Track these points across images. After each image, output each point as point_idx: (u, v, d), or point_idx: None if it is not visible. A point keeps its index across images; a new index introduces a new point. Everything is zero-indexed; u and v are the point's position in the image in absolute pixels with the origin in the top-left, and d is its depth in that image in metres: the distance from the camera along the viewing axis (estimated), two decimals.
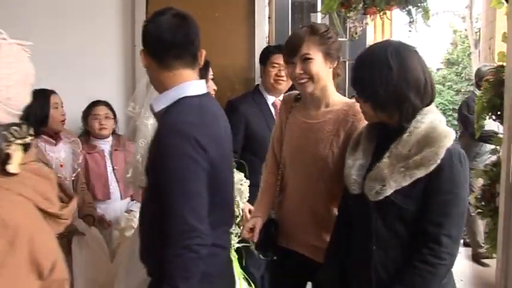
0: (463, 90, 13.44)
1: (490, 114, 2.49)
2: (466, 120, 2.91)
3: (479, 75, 2.82)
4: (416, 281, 1.00)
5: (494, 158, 2.49)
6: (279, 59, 2.01)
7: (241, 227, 1.54)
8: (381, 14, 2.30)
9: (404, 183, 1.02)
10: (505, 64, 2.40)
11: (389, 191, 1.02)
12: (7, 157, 0.76)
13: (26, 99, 0.81)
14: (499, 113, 2.42)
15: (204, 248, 0.97)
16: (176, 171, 0.97)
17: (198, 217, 0.97)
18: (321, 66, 1.28)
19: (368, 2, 2.18)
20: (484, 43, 5.86)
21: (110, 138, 2.18)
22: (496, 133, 2.50)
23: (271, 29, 2.60)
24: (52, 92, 1.94)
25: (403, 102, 1.03)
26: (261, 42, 2.39)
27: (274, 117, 2.08)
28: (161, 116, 1.05)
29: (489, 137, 2.60)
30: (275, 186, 1.41)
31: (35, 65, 2.70)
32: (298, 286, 1.42)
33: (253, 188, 1.66)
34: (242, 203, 1.70)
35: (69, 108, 2.01)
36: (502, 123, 2.39)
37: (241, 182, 1.70)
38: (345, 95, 1.63)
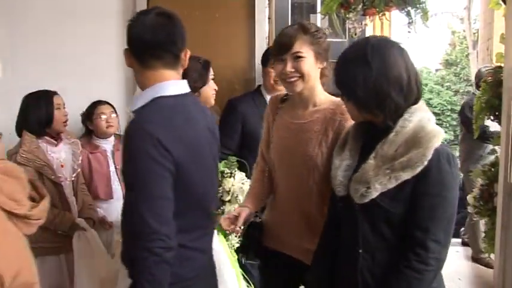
0: (461, 90, 13.48)
1: (488, 114, 2.50)
2: (469, 122, 2.87)
3: (480, 76, 2.81)
4: (402, 287, 0.97)
5: (492, 158, 2.51)
6: None
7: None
8: (380, 15, 2.32)
9: (389, 185, 0.97)
10: (503, 65, 2.42)
11: (374, 194, 0.98)
12: None
13: None
14: (497, 113, 2.44)
15: (167, 251, 0.94)
16: (137, 171, 0.95)
17: (160, 219, 0.94)
18: (311, 66, 1.26)
19: (367, 3, 2.19)
20: (482, 44, 5.88)
21: (112, 138, 2.19)
22: None
23: (271, 30, 2.61)
24: (54, 93, 1.94)
25: (384, 101, 0.98)
26: (261, 43, 2.40)
27: None
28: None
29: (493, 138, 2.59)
30: (265, 183, 1.39)
31: (36, 65, 2.69)
32: None
33: None
34: None
35: (70, 109, 2.02)
36: (500, 123, 2.41)
37: (242, 181, 1.71)
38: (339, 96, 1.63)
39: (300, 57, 1.24)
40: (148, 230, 0.93)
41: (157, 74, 1.03)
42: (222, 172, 1.78)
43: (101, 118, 2.12)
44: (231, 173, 1.72)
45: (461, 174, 3.07)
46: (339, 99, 1.24)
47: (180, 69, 1.08)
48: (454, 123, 13.05)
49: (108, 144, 2.17)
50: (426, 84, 13.94)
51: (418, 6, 2.27)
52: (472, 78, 10.88)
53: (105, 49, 2.31)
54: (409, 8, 2.30)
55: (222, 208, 1.66)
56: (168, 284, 0.97)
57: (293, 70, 1.25)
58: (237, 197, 1.67)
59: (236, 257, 1.71)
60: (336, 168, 1.08)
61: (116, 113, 2.18)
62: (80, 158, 2.00)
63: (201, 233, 1.09)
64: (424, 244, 0.95)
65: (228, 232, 1.31)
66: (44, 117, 1.86)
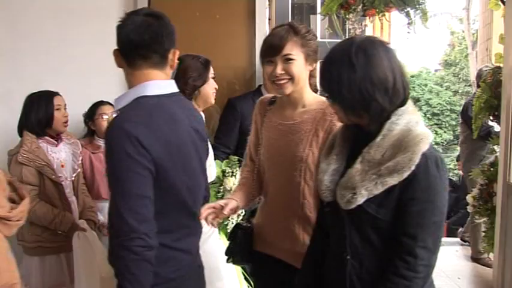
0: (460, 91, 13.50)
1: (487, 114, 2.52)
2: (472, 122, 2.83)
3: (481, 76, 2.80)
4: None
5: (492, 158, 2.53)
6: None
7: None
8: (380, 15, 2.33)
9: (376, 191, 0.94)
10: (502, 65, 2.43)
11: (360, 200, 0.95)
12: None
13: None
14: (496, 113, 2.46)
15: (147, 250, 0.93)
16: (116, 169, 0.96)
17: (139, 218, 0.93)
18: (301, 68, 1.24)
19: (367, 3, 2.21)
20: (481, 44, 5.89)
21: None
22: None
23: None
24: (55, 93, 1.94)
25: (370, 103, 0.94)
26: (261, 43, 2.40)
27: None
28: None
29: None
30: (253, 182, 1.36)
31: (38, 65, 2.69)
32: None
33: None
34: None
35: (72, 109, 2.03)
36: (499, 123, 2.42)
37: None
38: None
39: (291, 59, 1.22)
40: (127, 228, 0.93)
41: (143, 74, 1.04)
42: (224, 171, 1.79)
43: (102, 118, 2.12)
44: (232, 172, 1.73)
45: (457, 175, 3.05)
46: None
47: (167, 70, 1.08)
48: (453, 123, 13.08)
49: None
50: (426, 85, 13.96)
51: (417, 7, 2.29)
52: (471, 78, 10.86)
53: (107, 49, 2.29)
54: (409, 9, 2.31)
55: None
56: (150, 283, 0.96)
57: (283, 72, 1.23)
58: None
59: None
60: (323, 173, 1.05)
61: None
62: (80, 158, 2.01)
63: (184, 233, 1.08)
64: (412, 251, 0.93)
65: (210, 225, 1.24)
66: (44, 118, 1.87)
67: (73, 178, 1.97)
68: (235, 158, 1.79)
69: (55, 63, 2.30)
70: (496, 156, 2.42)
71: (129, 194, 0.94)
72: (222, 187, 1.72)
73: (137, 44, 1.03)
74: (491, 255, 2.62)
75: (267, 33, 1.99)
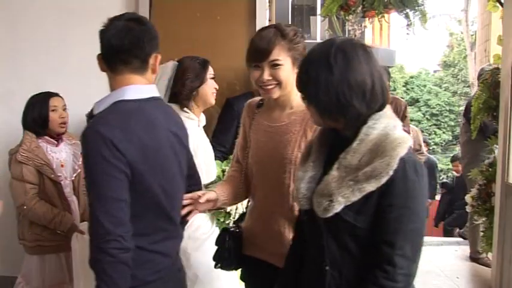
0: (459, 91, 13.54)
1: (486, 115, 2.53)
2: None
3: (483, 76, 2.78)
4: None
5: (490, 158, 2.54)
6: None
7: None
8: (379, 17, 2.35)
9: (353, 198, 0.91)
10: (500, 66, 2.45)
11: (338, 207, 0.92)
12: None
13: None
14: (494, 114, 2.47)
15: (123, 252, 0.94)
16: (92, 173, 0.97)
17: (114, 220, 0.94)
18: (289, 72, 1.21)
19: (367, 5, 2.22)
20: (480, 46, 5.92)
21: None
22: None
23: None
24: (53, 95, 1.94)
25: (346, 107, 0.92)
26: None
27: None
28: None
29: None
30: (240, 181, 1.33)
31: (38, 66, 2.70)
32: None
33: None
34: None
35: (72, 109, 2.03)
36: (497, 124, 2.44)
37: None
38: None
39: (278, 65, 1.20)
40: (103, 231, 0.94)
41: (124, 79, 1.05)
42: (224, 171, 1.80)
43: None
44: None
45: (452, 176, 3.01)
46: None
47: (148, 74, 1.08)
48: (452, 123, 13.12)
49: None
50: (425, 85, 14.00)
51: (416, 8, 2.30)
52: (470, 79, 10.87)
53: None
54: (408, 10, 2.33)
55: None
56: (128, 286, 0.97)
57: (270, 78, 1.21)
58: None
59: None
60: (299, 180, 1.01)
61: None
62: (81, 159, 2.01)
63: (162, 237, 1.08)
64: (391, 260, 0.90)
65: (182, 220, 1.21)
66: (39, 119, 1.88)
67: (73, 178, 1.97)
68: None
69: (55, 63, 2.30)
70: (495, 157, 2.43)
71: (105, 197, 0.95)
72: None
73: (118, 49, 1.04)
74: (489, 254, 2.63)
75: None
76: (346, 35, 2.93)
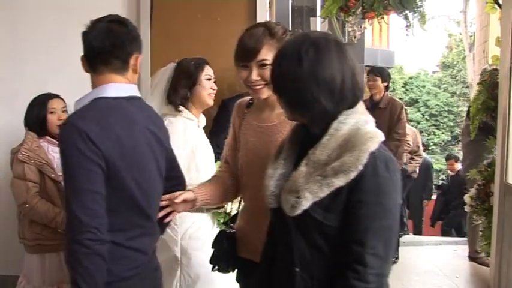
0: (458, 92, 13.58)
1: (485, 116, 2.55)
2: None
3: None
4: None
5: (489, 158, 2.56)
6: None
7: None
8: (379, 18, 2.36)
9: (321, 194, 0.87)
10: (498, 67, 2.47)
11: (305, 204, 0.88)
12: None
13: None
14: (493, 114, 2.49)
15: (98, 243, 0.94)
16: (68, 165, 0.99)
17: (89, 212, 0.95)
18: None
19: (366, 6, 2.24)
20: (478, 47, 5.94)
21: None
22: None
23: None
24: (52, 96, 1.95)
25: (312, 104, 0.89)
26: None
27: None
28: None
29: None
30: (226, 180, 1.31)
31: (40, 66, 2.70)
32: None
33: None
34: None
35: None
36: (496, 124, 2.46)
37: None
38: None
39: (266, 64, 1.17)
40: (78, 223, 0.94)
41: (103, 78, 1.07)
42: None
43: None
44: None
45: (446, 175, 2.96)
46: None
47: (129, 75, 1.10)
48: (451, 124, 13.16)
49: None
50: (424, 86, 14.04)
51: (415, 9, 2.31)
52: (469, 80, 10.86)
53: None
54: (407, 12, 2.34)
55: (224, 208, 1.69)
56: (104, 278, 0.97)
57: (258, 78, 1.18)
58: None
59: None
60: (269, 178, 0.98)
61: None
62: None
63: (138, 233, 1.08)
64: (362, 259, 0.85)
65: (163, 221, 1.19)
66: (37, 121, 1.89)
67: None
68: None
69: (56, 63, 2.31)
70: (493, 157, 2.45)
71: (81, 190, 0.96)
72: None
73: (98, 50, 1.06)
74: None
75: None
76: (346, 36, 2.94)
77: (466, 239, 3.22)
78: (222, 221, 1.75)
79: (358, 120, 0.91)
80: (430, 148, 10.64)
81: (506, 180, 2.22)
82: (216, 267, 1.29)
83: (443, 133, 13.11)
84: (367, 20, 2.40)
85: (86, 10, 2.36)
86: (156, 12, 2.32)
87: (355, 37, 2.37)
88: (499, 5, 2.47)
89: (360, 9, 2.23)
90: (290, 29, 1.36)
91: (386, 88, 3.12)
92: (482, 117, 2.56)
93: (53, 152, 1.94)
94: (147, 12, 2.31)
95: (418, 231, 4.94)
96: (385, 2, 2.25)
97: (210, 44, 2.29)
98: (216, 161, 1.93)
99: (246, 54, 1.18)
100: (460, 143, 3.88)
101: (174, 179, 1.21)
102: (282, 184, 0.96)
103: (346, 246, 0.87)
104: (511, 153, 2.20)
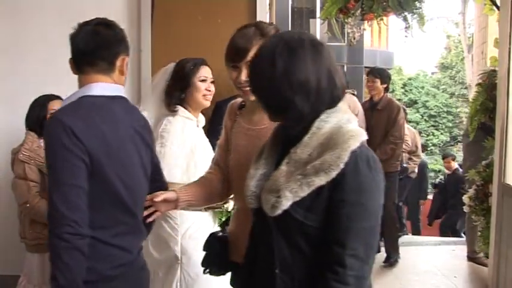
0: (456, 93, 13.62)
1: (483, 116, 2.56)
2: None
3: None
4: None
5: (488, 159, 2.57)
6: None
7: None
8: (378, 19, 2.38)
9: (302, 193, 0.85)
10: (497, 68, 2.49)
11: (286, 204, 0.86)
12: None
13: None
14: (491, 115, 2.51)
15: (78, 238, 0.94)
16: (52, 160, 1.00)
17: (70, 206, 0.95)
18: None
19: (366, 8, 2.25)
20: (477, 48, 5.96)
21: None
22: None
23: None
24: (53, 98, 1.94)
25: (287, 106, 0.87)
26: None
27: None
28: None
29: None
30: (213, 182, 1.30)
31: (40, 67, 2.71)
32: None
33: None
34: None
35: None
36: (494, 125, 2.47)
37: None
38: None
39: None
40: (57, 215, 0.95)
41: (89, 78, 1.09)
42: None
43: None
44: None
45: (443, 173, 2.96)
46: None
47: (115, 76, 1.11)
48: (450, 124, 13.20)
49: None
50: (423, 87, 14.08)
51: (414, 11, 2.33)
52: (468, 81, 10.87)
53: None
54: (406, 13, 2.36)
55: (225, 207, 1.70)
56: (82, 273, 0.96)
57: (248, 79, 1.13)
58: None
59: None
60: (250, 178, 0.97)
61: None
62: None
63: (122, 230, 1.08)
64: (341, 260, 0.84)
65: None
66: (37, 121, 1.90)
67: None
68: None
69: (56, 63, 2.31)
70: (492, 157, 2.46)
71: (63, 183, 0.97)
72: None
73: (84, 52, 1.09)
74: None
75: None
76: (345, 38, 2.95)
77: (464, 239, 3.24)
78: (223, 219, 1.75)
79: (340, 118, 0.90)
80: (429, 149, 10.67)
81: (505, 180, 2.23)
82: (208, 270, 1.26)
83: (442, 134, 13.15)
84: (366, 22, 2.41)
85: (87, 11, 2.38)
86: (156, 13, 2.33)
87: (354, 38, 2.39)
88: (497, 7, 2.49)
89: (359, 11, 2.24)
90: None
91: (386, 90, 3.11)
92: (481, 118, 2.58)
93: None
94: (147, 13, 2.32)
95: (416, 231, 4.95)
96: (384, 3, 2.27)
97: (210, 46, 2.29)
98: None
99: (235, 54, 1.15)
100: (459, 143, 3.90)
101: (157, 182, 1.22)
102: (262, 184, 0.94)
103: (327, 247, 0.86)
104: (509, 154, 2.22)
